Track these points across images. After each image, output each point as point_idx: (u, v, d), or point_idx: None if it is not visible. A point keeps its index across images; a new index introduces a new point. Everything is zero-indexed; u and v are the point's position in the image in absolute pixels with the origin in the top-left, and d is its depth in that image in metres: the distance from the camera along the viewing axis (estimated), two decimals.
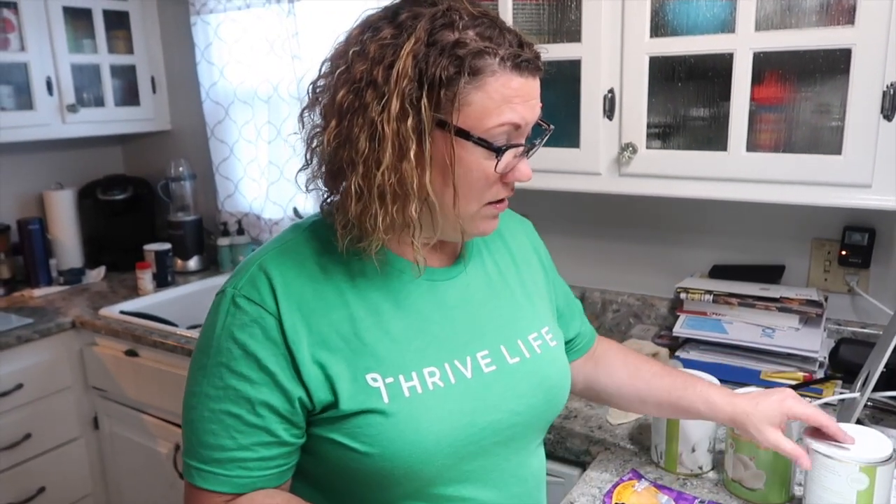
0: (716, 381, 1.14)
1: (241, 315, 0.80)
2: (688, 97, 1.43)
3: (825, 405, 1.31)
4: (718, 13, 1.34)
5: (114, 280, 2.68)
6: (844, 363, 1.41)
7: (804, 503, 0.98)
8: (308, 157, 0.84)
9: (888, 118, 1.22)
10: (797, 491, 1.07)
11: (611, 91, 1.47)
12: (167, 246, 2.56)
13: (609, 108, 1.48)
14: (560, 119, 1.40)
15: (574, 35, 1.49)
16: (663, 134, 1.48)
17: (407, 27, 0.75)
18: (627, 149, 1.45)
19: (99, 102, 2.64)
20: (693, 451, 1.14)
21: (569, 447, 1.31)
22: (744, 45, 1.31)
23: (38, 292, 2.51)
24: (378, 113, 0.75)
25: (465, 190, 0.80)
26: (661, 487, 1.12)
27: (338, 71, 0.78)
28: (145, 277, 2.44)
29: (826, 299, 1.56)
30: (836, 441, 0.94)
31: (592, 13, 1.45)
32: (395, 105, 0.74)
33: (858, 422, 1.12)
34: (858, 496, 0.91)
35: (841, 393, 1.33)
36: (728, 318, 1.55)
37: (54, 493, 2.25)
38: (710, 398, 1.01)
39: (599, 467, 1.20)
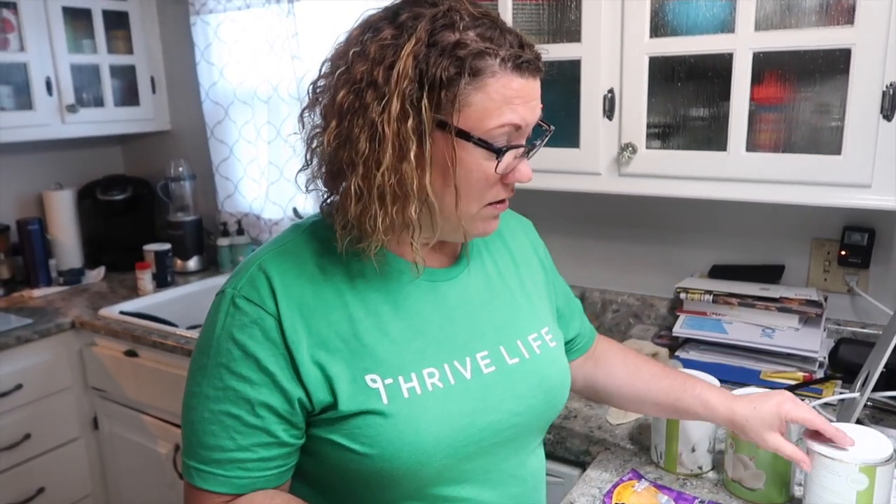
0: (716, 381, 1.14)
1: (240, 316, 0.80)
2: (687, 97, 1.43)
3: (825, 405, 1.32)
4: (718, 13, 1.34)
5: (113, 280, 2.68)
6: (844, 363, 1.41)
7: (804, 503, 0.98)
8: (308, 157, 0.84)
9: (888, 118, 1.22)
10: (797, 491, 1.07)
11: (610, 91, 1.47)
12: (167, 246, 2.56)
13: (609, 108, 1.48)
14: (560, 119, 1.40)
15: (574, 35, 1.49)
16: (663, 134, 1.48)
17: (407, 28, 0.75)
18: (627, 149, 1.45)
19: (98, 102, 2.64)
20: (693, 451, 1.14)
21: (569, 447, 1.31)
22: (743, 45, 1.31)
23: (38, 293, 2.51)
24: (378, 114, 0.75)
25: (466, 191, 0.80)
26: (660, 487, 1.12)
27: (338, 71, 0.78)
28: (145, 278, 2.44)
29: (826, 299, 1.56)
30: (836, 441, 0.94)
31: (592, 13, 1.45)
32: (395, 106, 0.74)
33: (858, 422, 1.12)
34: (858, 496, 0.91)
35: (841, 393, 1.33)
36: (728, 318, 1.55)
37: (54, 493, 2.25)
38: (708, 401, 1.01)
39: (599, 467, 1.20)
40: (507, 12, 1.54)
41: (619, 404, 1.15)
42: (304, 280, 0.83)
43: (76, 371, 2.28)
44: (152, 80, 2.81)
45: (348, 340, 0.82)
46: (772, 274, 1.67)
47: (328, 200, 0.88)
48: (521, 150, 0.82)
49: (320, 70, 0.83)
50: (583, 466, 1.30)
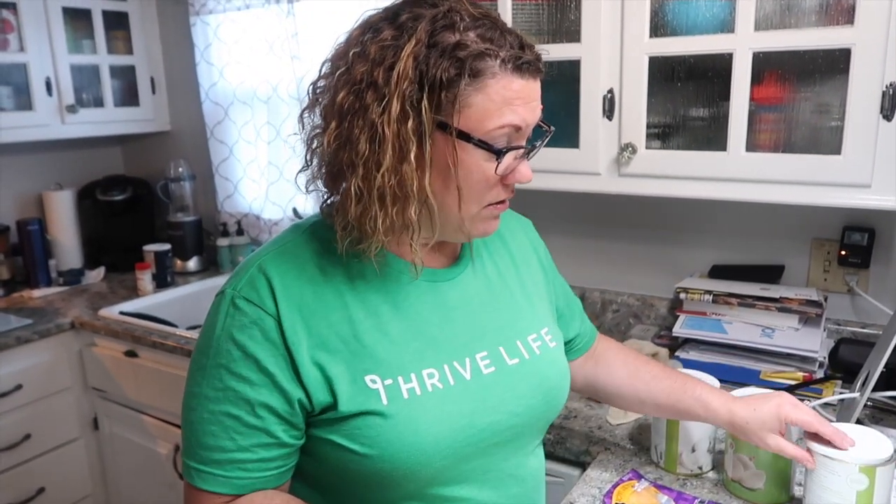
0: (716, 382, 1.14)
1: (240, 316, 0.80)
2: (687, 97, 1.43)
3: (825, 405, 1.32)
4: (718, 13, 1.34)
5: (113, 281, 2.68)
6: (844, 363, 1.41)
7: (804, 503, 0.98)
8: (308, 158, 0.84)
9: (887, 118, 1.22)
10: (797, 491, 1.07)
11: (610, 91, 1.47)
12: (167, 246, 2.56)
13: (608, 108, 1.47)
14: (559, 119, 1.40)
15: (573, 35, 1.49)
16: (663, 134, 1.48)
17: (408, 28, 0.75)
18: (627, 149, 1.45)
19: (98, 103, 2.64)
20: (693, 451, 1.14)
21: (569, 447, 1.31)
22: (743, 45, 1.31)
23: (38, 293, 2.51)
24: (378, 115, 0.75)
25: (466, 192, 0.80)
26: (660, 487, 1.12)
27: (338, 72, 0.78)
28: (145, 278, 2.44)
29: (826, 299, 1.56)
30: (834, 444, 0.94)
31: (592, 13, 1.45)
32: (395, 107, 0.74)
33: (858, 422, 1.12)
34: (858, 496, 0.91)
35: (840, 393, 1.33)
36: (728, 318, 1.55)
37: (54, 493, 2.25)
38: (708, 403, 1.01)
39: (599, 467, 1.20)
40: (506, 12, 1.54)
41: (620, 404, 1.15)
42: (303, 281, 0.83)
43: (76, 371, 2.28)
44: (152, 80, 2.81)
45: (348, 341, 0.82)
46: (772, 274, 1.67)
47: (328, 201, 0.88)
48: (522, 150, 0.82)
49: (320, 71, 0.83)
50: (583, 466, 1.30)
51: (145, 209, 2.87)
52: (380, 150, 0.75)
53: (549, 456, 1.30)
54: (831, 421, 0.98)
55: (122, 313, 2.25)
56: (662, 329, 1.79)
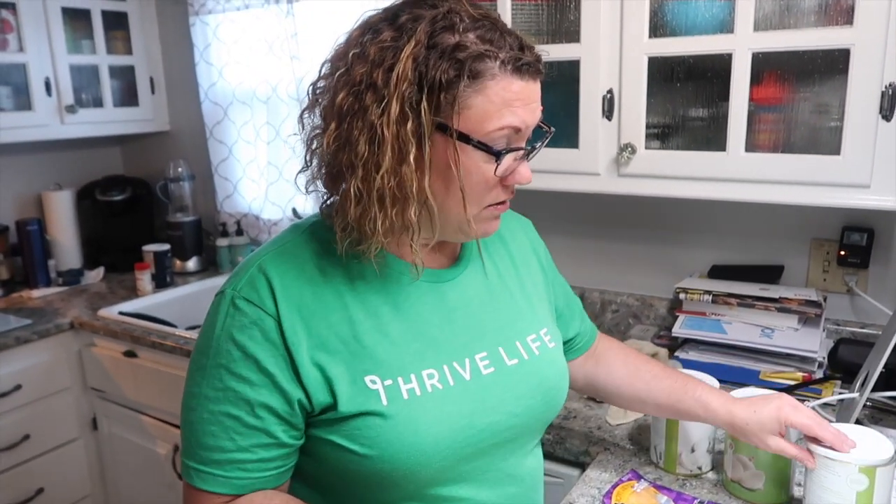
0: (715, 382, 1.14)
1: (240, 316, 0.80)
2: (687, 97, 1.43)
3: (824, 405, 1.32)
4: (717, 13, 1.34)
5: (112, 281, 2.68)
6: (843, 363, 1.41)
7: (804, 503, 0.98)
8: (308, 158, 0.84)
9: (887, 118, 1.22)
10: (796, 491, 1.07)
11: (610, 91, 1.47)
12: (166, 247, 2.55)
13: (608, 108, 1.48)
14: (559, 119, 1.41)
15: (573, 35, 1.49)
16: (662, 134, 1.48)
17: (407, 29, 0.75)
18: (626, 149, 1.46)
19: (98, 103, 2.64)
20: (692, 451, 1.14)
21: (568, 447, 1.31)
22: (742, 45, 1.31)
23: (37, 293, 2.51)
24: (378, 116, 0.75)
25: (466, 193, 0.80)
26: (660, 488, 1.12)
27: (338, 73, 0.78)
28: (144, 278, 2.44)
29: (825, 299, 1.56)
30: (835, 447, 0.93)
31: (591, 13, 1.45)
32: (394, 108, 0.74)
33: (857, 422, 1.12)
34: (858, 497, 0.91)
35: (840, 393, 1.33)
36: (727, 318, 1.55)
37: (53, 493, 2.25)
38: (708, 404, 1.01)
39: (599, 467, 1.20)
40: (506, 13, 1.54)
41: (620, 404, 1.15)
42: (303, 281, 0.83)
43: (75, 372, 2.28)
44: (151, 80, 2.80)
45: (348, 342, 0.82)
46: (771, 274, 1.67)
47: (328, 202, 0.88)
48: (521, 152, 0.82)
49: (320, 71, 0.83)
50: (582, 467, 1.30)
51: (144, 209, 2.87)
52: (379, 151, 0.75)
53: (549, 456, 1.30)
54: (831, 421, 0.97)
55: (121, 313, 2.25)
56: (662, 329, 1.79)
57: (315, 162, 0.84)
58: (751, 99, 1.33)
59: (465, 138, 0.77)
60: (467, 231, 0.84)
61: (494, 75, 0.75)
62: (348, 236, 0.81)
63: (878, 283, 1.58)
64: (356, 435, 0.80)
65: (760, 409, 0.97)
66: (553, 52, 1.49)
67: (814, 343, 1.43)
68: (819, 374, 1.42)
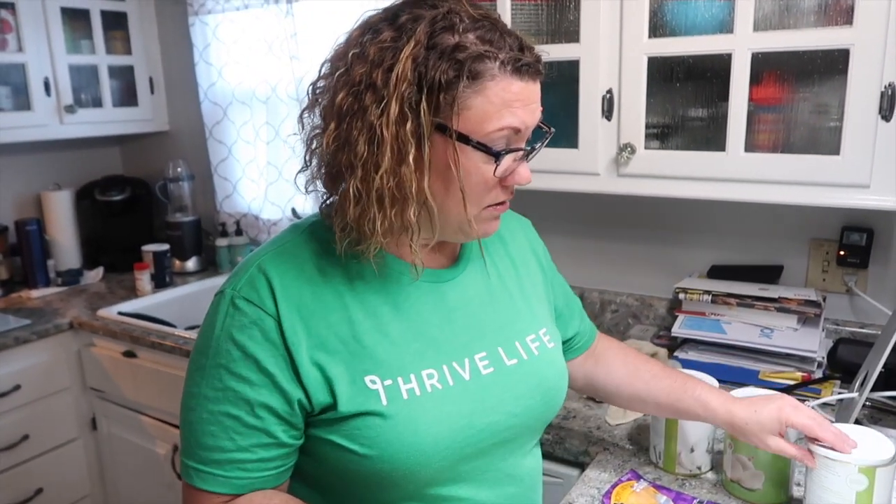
0: (715, 382, 1.14)
1: (240, 316, 0.80)
2: (686, 98, 1.43)
3: (824, 405, 1.32)
4: (717, 13, 1.34)
5: (112, 281, 2.68)
6: (843, 363, 1.41)
7: (804, 503, 0.98)
8: (307, 158, 0.84)
9: (886, 118, 1.22)
10: (796, 491, 1.07)
11: (609, 91, 1.47)
12: (165, 247, 2.55)
13: (607, 108, 1.48)
14: (558, 119, 1.41)
15: (572, 35, 1.49)
16: (662, 134, 1.48)
17: (407, 30, 0.75)
18: (626, 149, 1.46)
19: (97, 103, 2.64)
20: (692, 451, 1.14)
21: (567, 447, 1.31)
22: (742, 45, 1.31)
23: (36, 293, 2.51)
24: (377, 116, 0.74)
25: (465, 193, 0.80)
26: (659, 488, 1.12)
27: (337, 73, 0.78)
28: (143, 278, 2.44)
29: (824, 299, 1.56)
30: (836, 447, 0.93)
31: (591, 13, 1.45)
32: (394, 109, 0.74)
33: (857, 422, 1.12)
34: (858, 497, 0.91)
35: (839, 393, 1.33)
36: (727, 318, 1.55)
37: (52, 494, 2.25)
38: (707, 403, 1.01)
39: (598, 467, 1.20)
40: (505, 13, 1.54)
41: (619, 403, 1.15)
42: (302, 281, 0.83)
43: (74, 372, 2.28)
44: (151, 80, 2.80)
45: (348, 342, 0.82)
46: (770, 274, 1.67)
47: (327, 201, 0.87)
48: (521, 153, 0.82)
49: (320, 71, 0.83)
50: (582, 467, 1.30)
51: (144, 209, 2.87)
52: (378, 151, 0.75)
53: (548, 456, 1.30)
54: (831, 421, 0.97)
55: (120, 313, 2.25)
56: (661, 329, 1.79)
57: (315, 162, 0.84)
58: (750, 99, 1.33)
59: (464, 139, 0.77)
60: (467, 231, 0.84)
61: (494, 76, 0.75)
62: (347, 236, 0.81)
63: (877, 283, 1.58)
64: (356, 435, 0.80)
65: (761, 409, 0.97)
66: (553, 52, 1.49)
67: (813, 343, 1.43)
68: (818, 374, 1.42)
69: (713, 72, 1.37)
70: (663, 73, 1.43)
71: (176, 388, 1.85)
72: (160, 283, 2.51)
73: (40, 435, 2.20)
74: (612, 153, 1.49)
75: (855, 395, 1.19)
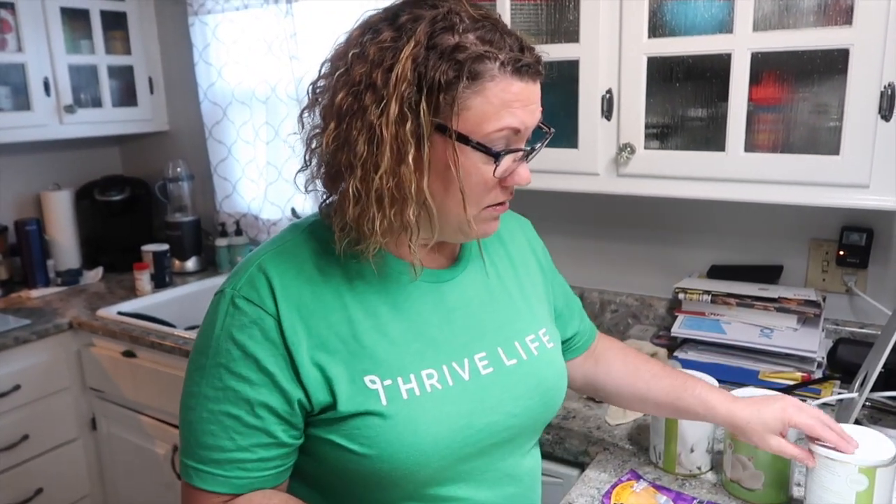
0: (714, 381, 1.14)
1: (240, 316, 0.80)
2: (686, 97, 1.43)
3: (823, 405, 1.32)
4: (716, 13, 1.34)
5: (111, 281, 2.68)
6: (842, 363, 1.41)
7: (804, 503, 0.98)
8: (307, 157, 0.84)
9: (886, 118, 1.22)
10: (796, 491, 1.07)
11: (609, 91, 1.47)
12: (165, 247, 2.55)
13: (607, 108, 1.48)
14: (558, 119, 1.41)
15: (572, 35, 1.49)
16: (661, 134, 1.48)
17: (407, 30, 0.75)
18: (625, 149, 1.46)
19: (96, 103, 2.64)
20: (691, 451, 1.14)
21: (567, 447, 1.31)
22: (742, 45, 1.31)
23: (36, 293, 2.51)
24: (377, 116, 0.74)
25: (465, 194, 0.80)
26: (659, 488, 1.12)
27: (337, 73, 0.78)
28: (143, 278, 2.44)
29: (824, 299, 1.56)
30: (839, 448, 0.93)
31: (590, 13, 1.45)
32: (393, 109, 0.74)
33: (857, 422, 1.12)
34: (858, 497, 0.91)
35: (839, 393, 1.33)
36: (726, 318, 1.55)
37: (52, 494, 2.25)
38: (708, 401, 1.01)
39: (598, 468, 1.20)
40: (505, 12, 1.54)
41: (620, 403, 1.15)
42: (302, 281, 0.83)
43: (74, 372, 2.28)
44: (150, 80, 2.80)
45: (347, 342, 0.82)
46: (770, 274, 1.67)
47: (327, 201, 0.87)
48: (520, 153, 0.82)
49: (320, 70, 0.83)
50: (581, 467, 1.30)
51: (143, 209, 2.87)
52: (378, 151, 0.75)
53: (548, 456, 1.30)
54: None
55: (120, 313, 2.25)
56: (661, 329, 1.79)
57: (314, 161, 0.84)
58: (750, 99, 1.33)
59: (464, 139, 0.77)
60: (466, 231, 0.84)
61: (494, 76, 0.75)
62: (347, 236, 0.81)
63: (877, 283, 1.58)
64: (355, 434, 0.80)
65: (764, 409, 0.97)
66: (552, 52, 1.49)
67: (813, 343, 1.43)
68: (818, 374, 1.42)
69: (713, 72, 1.37)
70: (663, 73, 1.43)
71: (175, 388, 1.85)
72: (160, 283, 2.51)
73: (40, 435, 2.20)
74: (611, 153, 1.49)
75: (855, 395, 1.19)
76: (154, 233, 2.88)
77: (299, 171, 0.86)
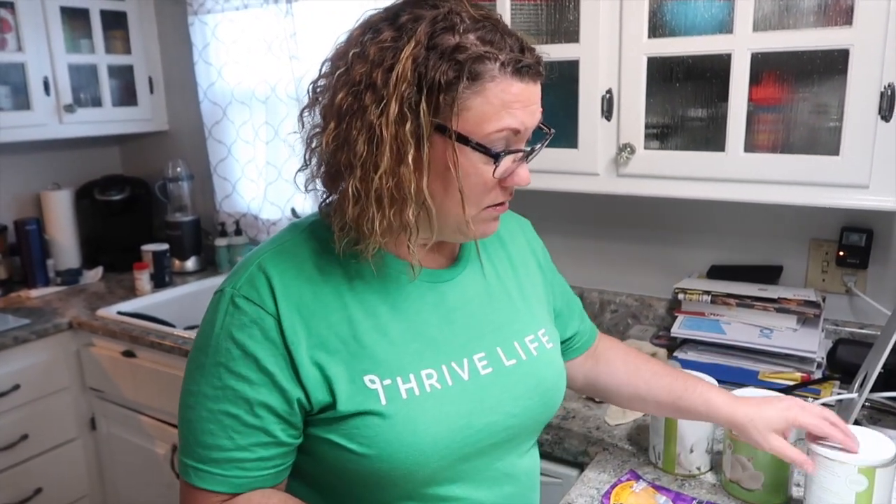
0: (714, 382, 1.14)
1: (240, 315, 0.80)
2: (686, 98, 1.43)
3: (823, 405, 1.31)
4: (716, 14, 1.34)
5: (111, 280, 2.68)
6: (842, 364, 1.41)
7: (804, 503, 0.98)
8: (307, 157, 0.84)
9: (886, 119, 1.22)
10: (795, 492, 1.07)
11: (609, 91, 1.47)
12: (165, 246, 2.55)
13: (607, 108, 1.48)
14: (558, 119, 1.41)
15: (572, 35, 1.49)
16: (661, 134, 1.48)
17: (407, 30, 0.75)
18: (625, 149, 1.46)
19: (96, 103, 2.64)
20: (691, 451, 1.14)
21: (567, 448, 1.31)
22: (742, 45, 1.31)
23: (36, 293, 2.51)
24: (377, 116, 0.74)
25: (464, 194, 0.80)
26: (659, 488, 1.12)
27: (337, 72, 0.78)
28: (143, 278, 2.44)
29: (824, 300, 1.56)
30: (842, 447, 0.93)
31: (590, 13, 1.45)
32: (393, 109, 0.74)
33: (856, 422, 1.12)
34: (857, 497, 0.91)
35: (839, 393, 1.33)
36: (726, 318, 1.55)
37: (51, 493, 2.25)
38: (710, 400, 1.01)
39: (597, 468, 1.20)
40: (505, 13, 1.54)
41: (620, 402, 1.15)
42: (302, 280, 0.83)
43: (74, 371, 2.28)
44: (150, 80, 2.80)
45: (347, 341, 0.82)
46: (770, 274, 1.67)
47: (327, 201, 0.87)
48: (520, 154, 0.82)
49: (320, 70, 0.83)
50: (581, 467, 1.30)
51: (143, 209, 2.87)
52: (378, 151, 0.75)
53: (547, 456, 1.30)
54: None
55: (119, 313, 2.25)
56: (661, 329, 1.79)
57: (314, 161, 0.84)
58: (750, 99, 1.33)
59: (463, 140, 0.76)
60: (466, 232, 0.84)
61: (494, 77, 0.75)
62: (346, 236, 0.81)
63: (876, 283, 1.58)
64: (355, 434, 0.80)
65: (767, 407, 0.97)
66: (552, 52, 1.49)
67: (812, 343, 1.43)
68: (818, 375, 1.42)
69: (713, 72, 1.37)
70: (663, 74, 1.43)
71: (175, 387, 1.85)
72: (159, 282, 2.51)
73: (39, 435, 2.20)
74: (611, 153, 1.49)
75: (854, 395, 1.19)
76: (154, 232, 2.88)
77: (299, 170, 0.86)
